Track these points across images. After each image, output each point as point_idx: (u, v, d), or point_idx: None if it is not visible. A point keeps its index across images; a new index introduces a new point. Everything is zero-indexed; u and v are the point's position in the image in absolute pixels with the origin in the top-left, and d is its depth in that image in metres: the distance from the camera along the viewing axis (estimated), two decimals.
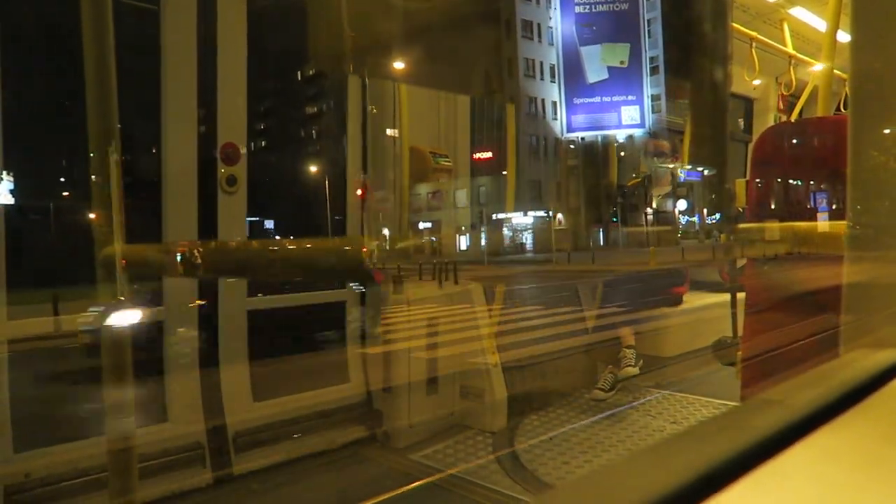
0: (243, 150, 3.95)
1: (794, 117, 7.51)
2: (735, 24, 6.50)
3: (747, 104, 9.64)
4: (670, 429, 3.95)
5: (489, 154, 42.25)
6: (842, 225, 1.35)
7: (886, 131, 1.26)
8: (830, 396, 0.84)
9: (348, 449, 3.90)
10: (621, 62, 44.34)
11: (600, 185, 43.01)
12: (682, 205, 46.04)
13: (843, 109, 5.90)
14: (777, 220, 2.82)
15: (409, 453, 3.76)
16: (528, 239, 41.19)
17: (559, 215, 42.28)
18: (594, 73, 45.03)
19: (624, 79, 44.35)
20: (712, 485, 0.60)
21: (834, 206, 2.52)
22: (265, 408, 3.78)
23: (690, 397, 4.43)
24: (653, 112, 43.35)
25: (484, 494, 3.14)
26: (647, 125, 43.29)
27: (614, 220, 39.06)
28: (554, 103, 45.20)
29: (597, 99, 44.72)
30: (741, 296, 4.31)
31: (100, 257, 2.06)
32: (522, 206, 40.78)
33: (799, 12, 6.93)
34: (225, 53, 3.83)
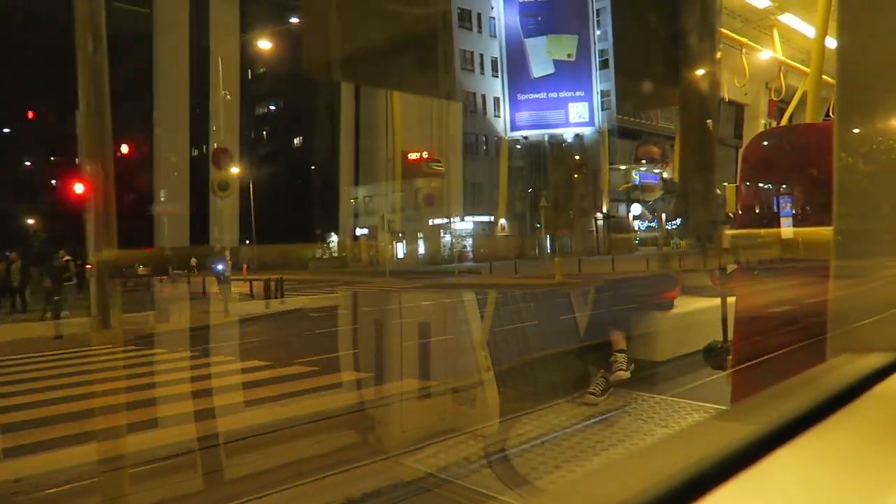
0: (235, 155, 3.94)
1: (783, 123, 7.57)
2: (725, 31, 6.56)
3: (738, 110, 9.71)
4: (661, 433, 3.95)
5: (425, 154, 38.03)
6: (829, 231, 1.37)
7: (871, 138, 1.28)
8: (817, 400, 0.85)
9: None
10: (568, 55, 40.64)
11: (551, 186, 39.78)
12: (636, 209, 40.07)
13: (831, 115, 5.95)
14: (766, 226, 2.84)
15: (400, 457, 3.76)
16: (467, 246, 38.01)
17: (502, 221, 39.67)
18: (539, 66, 41.27)
19: (571, 73, 40.68)
20: (700, 487, 0.61)
21: (807, 211, 2.55)
22: None
23: (682, 401, 4.45)
24: (602, 109, 41.17)
25: (474, 499, 3.14)
26: (596, 123, 41.16)
27: (538, 226, 37.40)
28: (496, 99, 41.91)
29: (542, 95, 41.36)
30: (731, 300, 4.33)
31: (96, 260, 2.05)
32: (461, 211, 37.61)
33: (789, 19, 7.00)
34: (218, 58, 3.82)
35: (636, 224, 42.31)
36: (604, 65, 41.05)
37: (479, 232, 38.69)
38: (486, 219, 38.99)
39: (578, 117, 41.61)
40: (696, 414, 4.22)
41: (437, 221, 37.69)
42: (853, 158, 1.28)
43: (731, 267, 3.84)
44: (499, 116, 42.05)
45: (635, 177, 40.29)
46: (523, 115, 42.02)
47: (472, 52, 41.03)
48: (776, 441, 0.71)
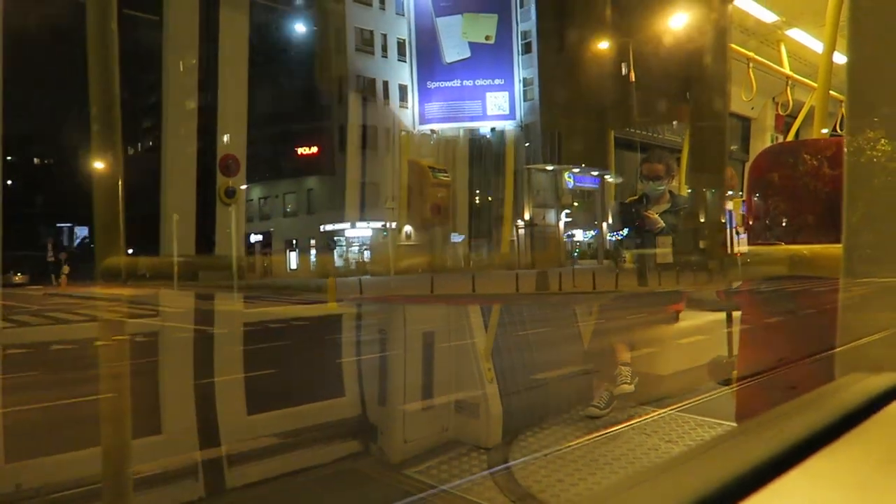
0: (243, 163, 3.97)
1: (790, 137, 7.56)
2: (732, 45, 6.57)
3: (744, 124, 9.71)
4: (665, 447, 3.93)
5: (314, 149, 32.36)
6: (837, 248, 1.36)
7: (882, 152, 1.27)
8: (826, 421, 0.84)
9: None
10: (487, 37, 35.57)
11: (465, 188, 33.25)
12: (567, 217, 36.09)
13: (838, 130, 5.95)
14: (774, 241, 2.83)
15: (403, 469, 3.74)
16: (363, 255, 32.67)
17: (406, 228, 33.06)
18: (453, 50, 35.74)
19: (490, 58, 35.57)
20: None
21: (814, 225, 2.54)
22: None
23: (686, 416, 4.42)
24: (525, 100, 36.06)
25: None
26: (518, 116, 35.86)
27: (386, 230, 32.18)
28: (403, 87, 36.00)
29: (456, 83, 35.91)
30: (737, 315, 4.31)
31: (101, 267, 2.05)
32: (356, 215, 32.05)
33: (796, 34, 7.00)
34: (226, 64, 3.85)
35: (578, 234, 37.80)
36: (526, 48, 35.71)
37: (380, 240, 33.34)
38: (388, 225, 33.33)
39: (497, 109, 36.20)
40: (701, 429, 4.19)
41: (329, 227, 32.35)
42: (863, 173, 1.28)
43: (736, 282, 3.83)
44: (406, 107, 36.14)
45: (569, 179, 36.00)
46: (434, 106, 36.13)
47: (371, 32, 34.76)
48: (787, 462, 0.70)
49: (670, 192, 4.99)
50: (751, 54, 6.57)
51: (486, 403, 4.12)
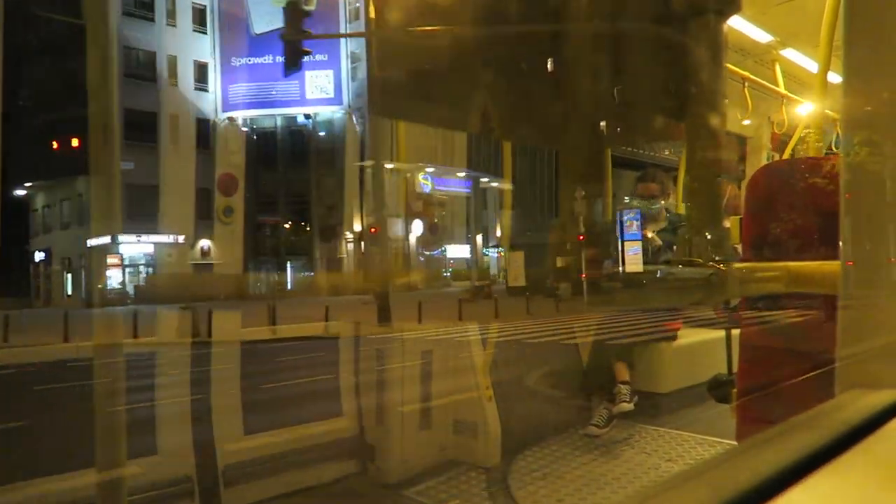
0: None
1: (786, 156, 7.62)
2: (728, 65, 6.64)
3: (740, 142, 9.78)
4: (665, 466, 3.91)
5: (76, 142, 23.81)
6: (835, 264, 1.37)
7: (878, 171, 1.28)
8: (827, 438, 0.84)
9: None
10: (305, 3, 28.99)
11: (282, 193, 27.43)
12: (417, 228, 29.14)
13: (833, 149, 6.00)
14: (771, 259, 2.83)
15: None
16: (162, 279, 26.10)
17: (203, 242, 27.44)
18: (263, 19, 28.08)
19: (310, 28, 26.29)
20: None
21: (813, 243, 2.54)
22: None
23: (685, 434, 4.40)
24: (353, 79, 29.69)
25: None
26: (345, 100, 29.56)
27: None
28: (201, 65, 29.19)
29: (268, 59, 28.16)
30: (736, 332, 4.30)
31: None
32: (130, 227, 25.20)
33: (791, 53, 7.08)
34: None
35: (449, 250, 31.73)
36: (354, 15, 28.82)
37: (166, 258, 27.05)
38: (171, 239, 26.87)
39: (320, 91, 29.61)
40: (701, 447, 4.17)
41: (95, 242, 24.56)
42: (859, 190, 1.29)
43: (734, 300, 3.83)
44: (206, 90, 29.23)
45: (425, 182, 29.46)
46: (240, 88, 29.36)
47: None
48: (787, 480, 0.70)
49: (666, 209, 5.01)
50: (746, 73, 6.64)
51: (484, 423, 4.10)
